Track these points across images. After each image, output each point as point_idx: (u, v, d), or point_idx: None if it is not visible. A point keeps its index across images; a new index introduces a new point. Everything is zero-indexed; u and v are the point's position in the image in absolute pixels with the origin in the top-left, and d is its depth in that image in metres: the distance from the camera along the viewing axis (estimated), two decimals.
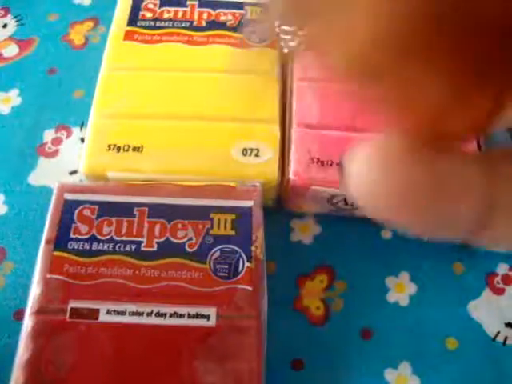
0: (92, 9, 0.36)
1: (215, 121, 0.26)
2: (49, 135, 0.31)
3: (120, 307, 0.21)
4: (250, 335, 0.21)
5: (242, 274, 0.22)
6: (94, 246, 0.22)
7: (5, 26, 0.35)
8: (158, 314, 0.21)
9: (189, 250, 0.23)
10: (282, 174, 0.26)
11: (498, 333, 0.27)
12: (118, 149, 0.26)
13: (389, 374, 0.25)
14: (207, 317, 0.21)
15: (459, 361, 0.26)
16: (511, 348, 0.26)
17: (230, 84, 0.28)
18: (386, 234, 0.29)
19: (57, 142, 0.31)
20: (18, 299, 0.25)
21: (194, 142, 0.26)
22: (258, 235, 0.23)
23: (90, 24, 0.35)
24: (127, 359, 0.21)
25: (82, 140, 0.29)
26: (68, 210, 0.23)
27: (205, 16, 0.30)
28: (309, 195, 0.26)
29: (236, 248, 0.23)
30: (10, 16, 0.35)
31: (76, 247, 0.22)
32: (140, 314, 0.21)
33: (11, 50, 0.34)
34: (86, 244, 0.22)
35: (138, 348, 0.21)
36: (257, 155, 0.25)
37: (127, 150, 0.26)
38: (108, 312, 0.21)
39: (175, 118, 0.26)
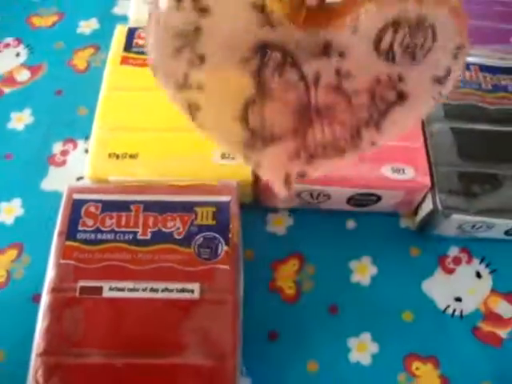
0: (92, 37, 0.41)
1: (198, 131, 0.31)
2: (57, 147, 0.36)
3: (120, 285, 0.26)
4: (227, 307, 0.26)
5: (221, 256, 0.27)
6: (99, 236, 0.27)
7: (18, 54, 0.40)
8: (152, 290, 0.26)
9: (177, 237, 0.27)
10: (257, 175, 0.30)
11: (448, 306, 0.31)
12: (117, 156, 0.30)
13: (351, 342, 0.30)
14: (192, 291, 0.26)
15: (414, 330, 0.30)
16: (458, 318, 0.30)
17: None
18: (350, 224, 0.33)
19: (65, 153, 0.35)
20: (35, 286, 0.29)
21: (181, 149, 0.30)
22: (235, 224, 0.28)
23: (91, 50, 0.40)
24: (126, 327, 0.25)
25: (87, 151, 0.34)
26: (76, 207, 0.28)
27: None
28: None
29: (216, 235, 0.27)
30: (22, 46, 0.40)
31: (84, 237, 0.27)
32: (136, 290, 0.26)
33: (23, 76, 0.39)
34: (91, 235, 0.27)
35: (135, 317, 0.25)
36: (233, 158, 0.30)
37: (125, 157, 0.30)
38: (110, 289, 0.26)
39: (164, 130, 0.31)
